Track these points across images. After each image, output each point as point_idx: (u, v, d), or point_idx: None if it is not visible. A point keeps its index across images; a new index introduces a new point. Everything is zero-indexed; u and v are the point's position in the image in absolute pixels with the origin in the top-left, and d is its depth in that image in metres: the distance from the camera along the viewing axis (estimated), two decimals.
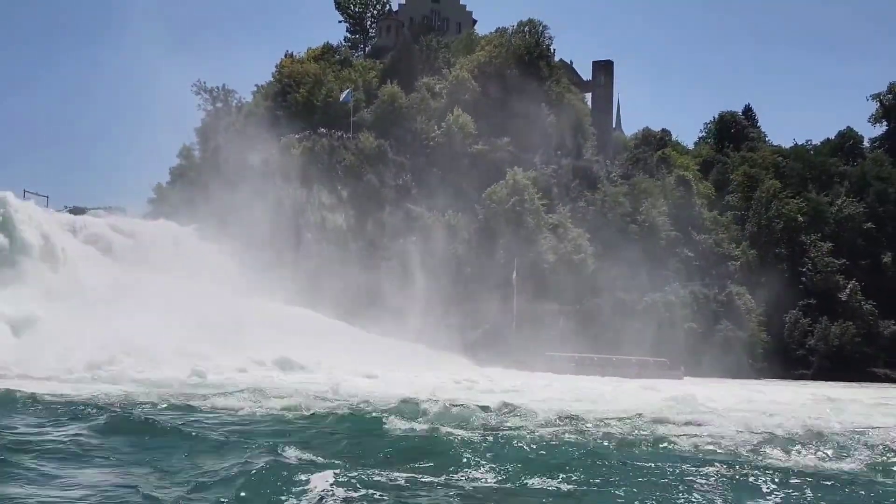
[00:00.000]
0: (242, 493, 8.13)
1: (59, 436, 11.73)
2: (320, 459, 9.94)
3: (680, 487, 9.29)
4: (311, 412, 16.10)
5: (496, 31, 69.30)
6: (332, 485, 8.29)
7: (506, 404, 17.93)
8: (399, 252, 53.83)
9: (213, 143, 62.01)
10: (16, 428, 12.46)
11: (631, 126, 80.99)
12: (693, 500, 8.82)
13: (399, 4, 75.92)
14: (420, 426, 13.52)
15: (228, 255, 49.09)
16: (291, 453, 10.18)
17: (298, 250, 52.09)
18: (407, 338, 47.38)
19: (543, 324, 49.51)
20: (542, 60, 65.73)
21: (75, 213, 52.07)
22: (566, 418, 16.26)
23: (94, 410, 14.44)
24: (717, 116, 76.14)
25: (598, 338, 48.66)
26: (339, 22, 76.07)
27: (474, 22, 77.78)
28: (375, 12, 76.05)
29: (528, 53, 64.75)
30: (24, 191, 53.32)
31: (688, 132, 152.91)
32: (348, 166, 56.31)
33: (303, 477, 8.59)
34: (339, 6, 74.79)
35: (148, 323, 33.54)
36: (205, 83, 66.20)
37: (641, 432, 14.60)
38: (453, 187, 56.13)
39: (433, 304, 51.60)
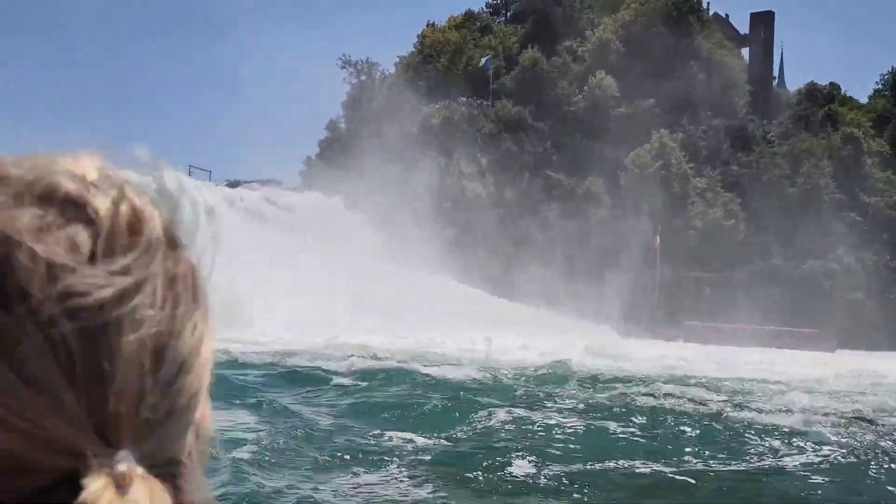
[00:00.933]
0: None
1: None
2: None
3: None
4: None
5: None
6: None
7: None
8: (539, 220, 53.25)
9: (356, 116, 63.65)
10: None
11: (795, 81, 75.58)
12: None
13: None
14: None
15: (372, 225, 50.59)
16: None
17: (438, 219, 52.66)
18: (547, 306, 47.01)
19: (689, 293, 47.48)
20: (692, 15, 62.28)
21: (232, 187, 55.23)
22: None
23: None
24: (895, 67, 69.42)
25: (748, 307, 46.10)
26: None
27: None
28: None
29: (677, 9, 61.50)
30: (190, 166, 57.22)
31: (860, 85, 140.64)
32: (487, 134, 56.09)
33: None
34: None
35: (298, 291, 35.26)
36: (349, 57, 67.89)
37: None
38: (595, 153, 54.65)
39: (574, 273, 50.81)
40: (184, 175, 43.70)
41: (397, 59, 68.88)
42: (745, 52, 68.59)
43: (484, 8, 74.28)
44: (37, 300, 0.47)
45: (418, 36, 67.19)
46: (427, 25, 69.77)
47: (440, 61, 62.16)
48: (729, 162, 55.45)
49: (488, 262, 49.47)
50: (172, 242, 0.56)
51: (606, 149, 55.46)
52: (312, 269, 39.38)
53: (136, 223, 0.54)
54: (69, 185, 0.55)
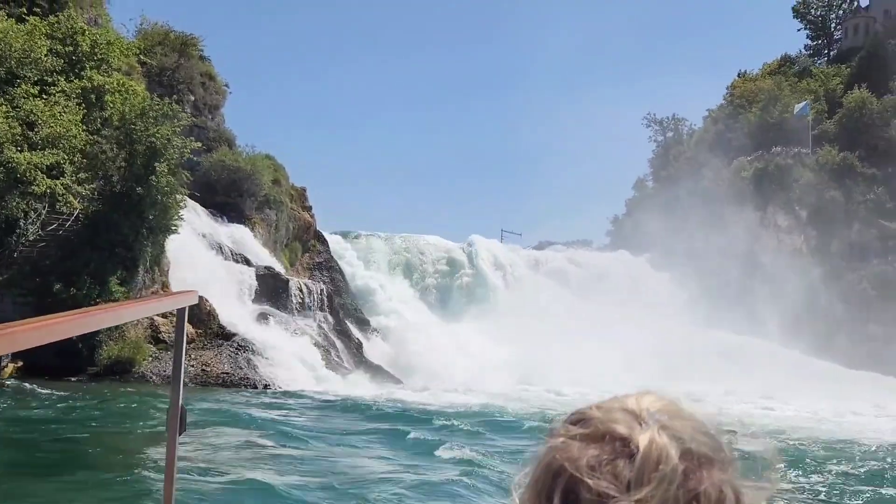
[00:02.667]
0: None
1: None
2: None
3: None
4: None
5: None
6: None
7: None
8: (871, 274, 47.78)
9: (664, 173, 62.95)
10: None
11: None
12: None
13: None
14: None
15: (679, 284, 49.28)
16: None
17: (754, 276, 49.67)
18: (886, 371, 41.83)
19: None
20: None
21: (539, 249, 57.61)
22: None
23: None
24: None
25: None
26: (798, 30, 71.05)
27: None
28: (841, 12, 69.20)
29: None
30: (502, 230, 60.99)
31: None
32: (806, 184, 52.04)
33: None
34: (796, 13, 69.86)
35: (592, 350, 35.60)
36: (654, 115, 67.76)
37: None
38: None
39: None
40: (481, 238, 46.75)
41: (706, 113, 67.30)
42: None
43: (803, 50, 69.95)
44: None
45: (727, 87, 65.09)
46: (738, 75, 67.41)
47: (752, 111, 59.41)
48: None
49: (812, 323, 45.36)
50: (697, 463, 0.78)
51: None
52: (617, 330, 39.48)
53: (659, 457, 0.76)
54: (621, 429, 0.79)
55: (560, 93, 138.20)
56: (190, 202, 31.51)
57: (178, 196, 23.07)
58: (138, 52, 29.88)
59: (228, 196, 34.09)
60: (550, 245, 59.43)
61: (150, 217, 21.92)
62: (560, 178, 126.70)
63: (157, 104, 22.83)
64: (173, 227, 23.33)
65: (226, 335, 22.85)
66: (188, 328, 22.82)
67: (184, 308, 2.45)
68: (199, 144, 25.84)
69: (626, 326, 40.50)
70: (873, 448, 16.74)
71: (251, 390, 20.73)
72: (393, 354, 34.69)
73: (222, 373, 21.18)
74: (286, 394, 20.17)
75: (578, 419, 0.84)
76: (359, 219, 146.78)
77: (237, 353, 22.34)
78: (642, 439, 0.78)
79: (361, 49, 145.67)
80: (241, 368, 21.69)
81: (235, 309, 25.74)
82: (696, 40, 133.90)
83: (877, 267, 48.44)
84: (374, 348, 33.82)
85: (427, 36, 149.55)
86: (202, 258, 27.61)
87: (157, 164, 21.57)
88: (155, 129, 21.77)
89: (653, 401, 0.84)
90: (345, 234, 44.68)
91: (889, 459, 14.92)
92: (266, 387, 21.19)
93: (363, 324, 35.52)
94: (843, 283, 48.36)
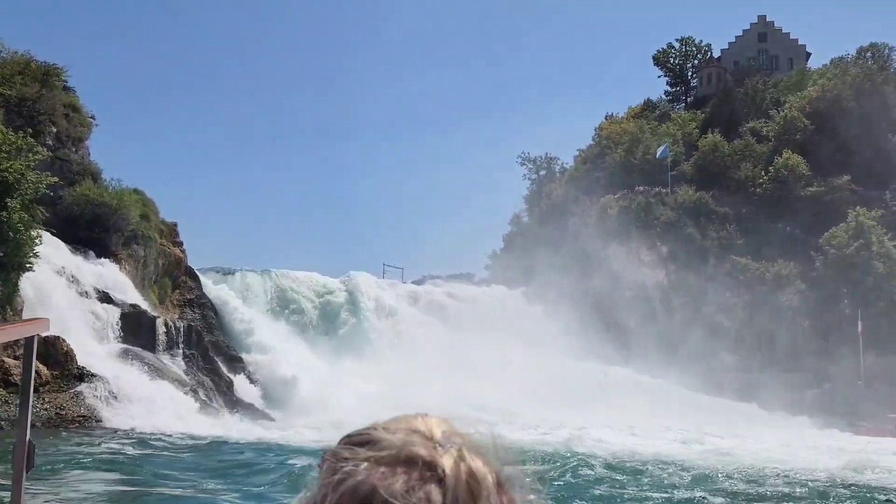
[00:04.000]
0: None
1: None
2: None
3: None
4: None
5: (831, 62, 63.91)
6: None
7: None
8: (725, 307, 51.18)
9: (537, 210, 65.36)
10: None
11: None
12: None
13: (722, 50, 73.51)
14: None
15: (552, 316, 51.11)
16: None
17: (619, 309, 52.16)
18: (738, 398, 44.74)
19: None
20: (887, 86, 58.64)
21: (419, 283, 58.33)
22: None
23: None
24: None
25: None
26: (659, 77, 75.88)
27: (808, 56, 72.17)
28: (696, 62, 74.50)
29: (870, 81, 58.29)
30: (384, 264, 61.31)
31: None
32: (666, 222, 55.38)
33: None
34: (657, 62, 74.67)
35: (464, 382, 36.40)
36: (528, 154, 70.44)
37: None
38: (783, 236, 52.17)
39: (766, 362, 48.10)
40: (362, 275, 46.98)
41: (576, 153, 70.53)
42: None
43: (663, 96, 74.64)
44: None
45: (595, 129, 68.54)
46: (605, 117, 71.14)
47: (617, 152, 62.79)
48: None
49: (673, 352, 47.98)
50: (502, 488, 0.81)
51: (797, 230, 52.79)
52: (490, 362, 40.49)
53: (473, 482, 0.80)
54: (422, 452, 0.81)
55: (439, 131, 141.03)
56: (51, 238, 30.30)
57: (32, 233, 22.17)
58: None
59: (93, 231, 32.91)
60: (431, 279, 60.21)
61: (1, 254, 20.97)
62: (441, 213, 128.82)
63: (11, 137, 21.97)
64: (27, 265, 22.37)
65: (83, 376, 22.02)
66: (42, 370, 21.94)
67: (32, 337, 2.35)
68: (56, 179, 24.95)
69: (498, 358, 41.72)
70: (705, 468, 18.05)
71: (111, 434, 20.06)
72: (266, 392, 34.21)
73: (78, 416, 20.38)
74: (145, 436, 19.64)
75: (364, 440, 0.86)
76: (236, 255, 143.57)
77: (95, 395, 21.56)
78: (447, 463, 0.81)
79: (238, 82, 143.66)
80: (99, 411, 20.94)
81: (97, 348, 24.85)
82: (570, 81, 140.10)
83: (729, 300, 51.88)
84: (246, 386, 33.26)
85: (306, 73, 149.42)
86: (61, 296, 26.54)
87: (9, 199, 20.71)
88: (8, 164, 20.94)
89: (438, 423, 0.88)
90: (219, 271, 43.87)
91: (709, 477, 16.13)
92: (127, 430, 20.54)
93: (236, 361, 34.89)
94: (700, 316, 51.50)
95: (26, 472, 2.30)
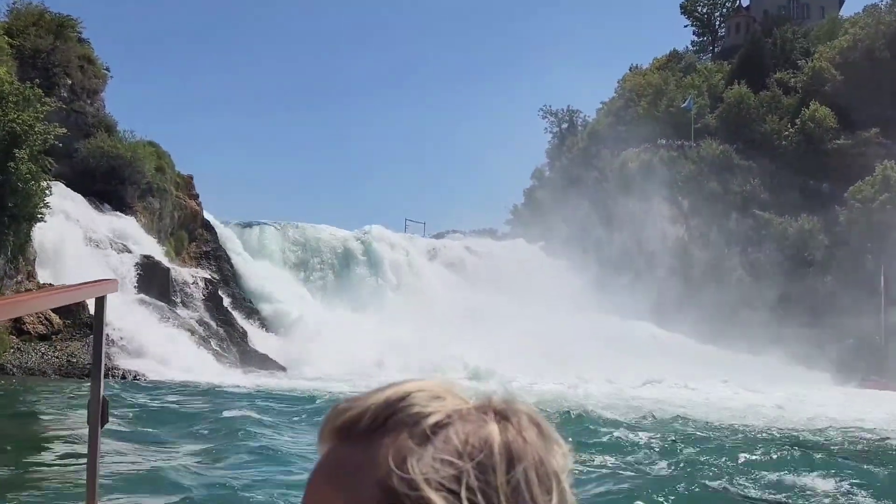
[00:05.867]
0: None
1: None
2: None
3: None
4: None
5: (864, 10, 61.76)
6: None
7: None
8: (747, 262, 50.57)
9: (559, 164, 64.67)
10: None
11: None
12: None
13: None
14: None
15: (571, 270, 50.79)
16: None
17: (640, 264, 51.76)
18: (757, 353, 44.39)
19: None
20: None
21: (439, 237, 58.21)
22: None
23: None
24: None
25: None
26: (685, 26, 74.06)
27: (841, 3, 69.89)
28: (725, 10, 72.49)
29: None
30: (406, 219, 61.14)
31: None
32: (688, 176, 54.50)
33: None
34: (684, 10, 72.77)
35: (478, 338, 36.39)
36: (550, 106, 69.41)
37: None
38: (808, 190, 51.16)
39: (787, 317, 47.55)
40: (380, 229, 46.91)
41: (600, 106, 69.40)
42: None
43: (689, 46, 72.93)
44: None
45: (618, 81, 67.30)
46: (630, 69, 69.76)
47: (640, 105, 61.65)
48: None
49: (691, 306, 47.61)
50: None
51: (822, 184, 51.74)
52: (507, 317, 40.39)
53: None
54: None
55: (460, 86, 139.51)
56: (65, 190, 30.56)
57: (42, 183, 22.34)
58: (2, 31, 28.59)
59: (108, 184, 33.13)
60: (451, 234, 60.04)
61: (11, 205, 21.19)
62: (464, 167, 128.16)
63: (17, 88, 22.02)
64: (38, 216, 22.59)
65: (92, 326, 22.26)
66: (54, 318, 22.30)
67: (103, 297, 2.46)
68: (65, 130, 24.98)
69: (516, 313, 41.58)
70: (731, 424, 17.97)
71: (120, 381, 20.43)
72: (282, 344, 34.57)
73: (88, 363, 20.73)
74: (153, 383, 19.98)
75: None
76: (256, 209, 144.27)
77: (107, 344, 21.86)
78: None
79: (256, 37, 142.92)
80: (109, 359, 21.27)
81: (111, 298, 25.10)
82: (593, 33, 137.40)
83: (751, 255, 51.24)
84: (261, 338, 33.61)
85: (327, 29, 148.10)
86: (75, 247, 26.85)
87: (17, 150, 20.84)
88: (15, 115, 21.02)
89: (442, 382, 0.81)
90: (237, 224, 44.07)
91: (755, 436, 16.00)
92: (135, 378, 20.89)
93: (252, 313, 35.25)
94: (721, 271, 50.97)
95: (101, 427, 2.43)
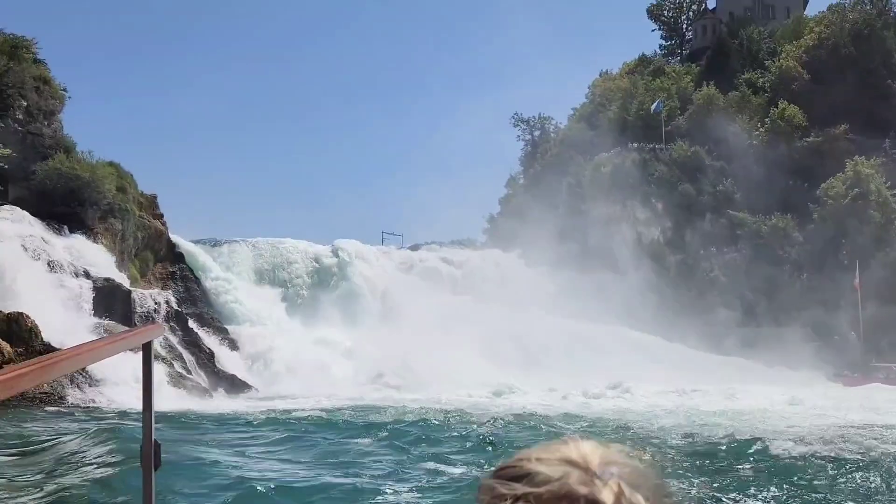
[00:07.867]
0: None
1: None
2: None
3: None
4: None
5: (828, 8, 62.17)
6: None
7: None
8: (722, 262, 50.43)
9: (532, 171, 64.37)
10: None
11: None
12: None
13: (717, 0, 71.72)
14: None
15: (547, 278, 50.40)
16: None
17: (616, 268, 51.47)
18: (736, 353, 44.19)
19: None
20: (887, 31, 57.08)
21: (414, 249, 57.57)
22: None
23: None
24: None
25: None
26: (653, 31, 74.24)
27: (805, 2, 70.39)
28: (691, 14, 72.77)
29: (869, 26, 56.71)
30: (383, 232, 60.48)
31: None
32: (661, 178, 54.37)
33: None
34: (651, 14, 72.97)
35: (453, 346, 35.87)
36: (521, 114, 69.21)
37: None
38: (781, 188, 51.08)
39: (765, 317, 47.46)
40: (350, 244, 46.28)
41: (571, 112, 69.32)
42: None
43: (657, 50, 73.08)
44: None
45: (589, 87, 67.28)
46: (599, 75, 69.77)
47: (611, 109, 61.57)
48: None
49: (666, 308, 47.32)
50: None
51: (794, 182, 51.75)
52: (482, 328, 39.91)
53: None
54: (582, 490, 0.76)
55: (433, 97, 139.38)
56: (21, 212, 29.73)
57: None
58: None
59: (68, 206, 32.32)
60: (428, 245, 59.44)
61: None
62: (440, 178, 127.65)
63: None
64: None
65: (47, 353, 21.48)
66: (5, 347, 21.45)
67: (150, 342, 2.49)
68: (9, 151, 24.21)
69: (491, 320, 41.14)
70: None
71: (74, 411, 19.61)
72: (252, 363, 33.83)
73: (41, 393, 19.92)
74: (106, 412, 19.19)
75: (519, 474, 0.80)
76: (227, 227, 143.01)
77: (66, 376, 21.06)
78: (607, 499, 0.76)
79: (221, 52, 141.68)
80: (62, 387, 20.48)
81: (67, 324, 24.35)
82: (562, 40, 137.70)
83: (726, 255, 51.09)
84: (230, 358, 32.84)
85: (295, 43, 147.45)
86: (31, 271, 26.02)
87: None
88: None
89: (592, 450, 0.81)
90: (205, 242, 43.25)
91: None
92: (88, 408, 20.07)
93: (221, 333, 34.47)
94: (697, 272, 50.77)
95: (155, 471, 2.45)
